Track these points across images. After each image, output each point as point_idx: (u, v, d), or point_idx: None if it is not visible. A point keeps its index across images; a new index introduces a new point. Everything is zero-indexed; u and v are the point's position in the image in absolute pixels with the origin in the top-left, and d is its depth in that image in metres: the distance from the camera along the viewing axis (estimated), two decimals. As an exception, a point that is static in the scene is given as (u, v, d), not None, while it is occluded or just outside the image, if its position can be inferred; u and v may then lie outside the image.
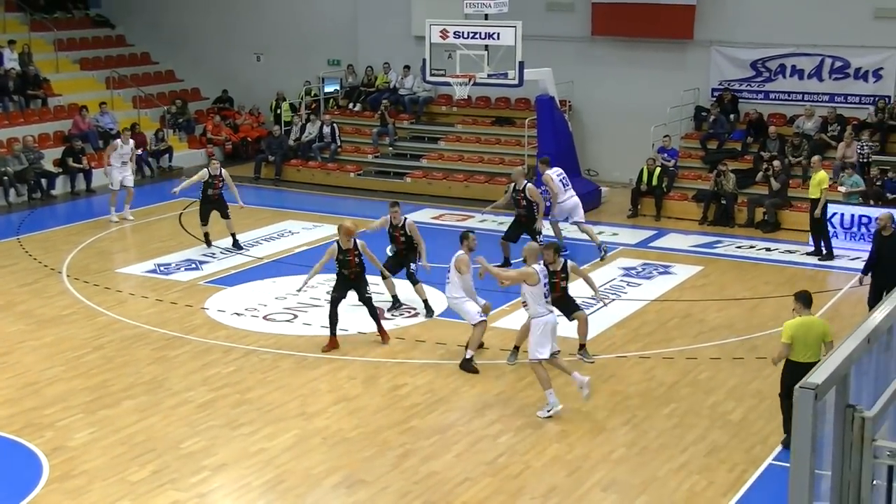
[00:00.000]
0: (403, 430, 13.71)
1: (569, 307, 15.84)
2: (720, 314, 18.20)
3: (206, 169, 22.06)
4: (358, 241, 16.49)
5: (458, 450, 13.15)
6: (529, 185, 20.56)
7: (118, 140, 25.35)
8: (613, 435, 13.55)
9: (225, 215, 21.93)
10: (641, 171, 25.31)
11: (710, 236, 23.38)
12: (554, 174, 21.45)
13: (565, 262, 15.67)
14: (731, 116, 26.99)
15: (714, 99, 27.38)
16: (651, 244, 22.87)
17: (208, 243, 22.02)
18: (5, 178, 26.21)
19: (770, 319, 17.58)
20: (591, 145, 28.59)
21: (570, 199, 21.45)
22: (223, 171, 22.04)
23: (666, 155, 25.82)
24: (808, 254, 21.74)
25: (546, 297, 14.25)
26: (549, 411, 14.08)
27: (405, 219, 18.36)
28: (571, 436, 13.47)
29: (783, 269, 20.93)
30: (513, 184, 20.66)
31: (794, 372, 12.08)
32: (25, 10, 33.65)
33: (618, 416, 14.09)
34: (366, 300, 16.60)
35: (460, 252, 15.77)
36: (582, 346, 15.95)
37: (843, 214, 22.26)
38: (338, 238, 16.56)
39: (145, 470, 12.62)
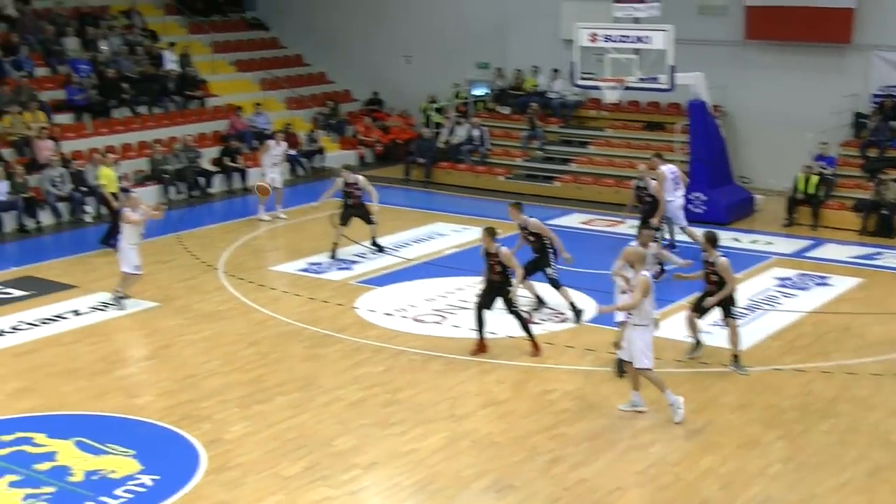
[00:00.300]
0: (552, 435, 13.67)
1: (722, 307, 15.72)
2: (881, 328, 17.67)
3: (340, 178, 22.24)
4: (502, 248, 16.29)
5: (608, 458, 13.05)
6: (654, 182, 20.67)
7: (271, 141, 25.84)
8: (769, 449, 13.28)
9: (368, 221, 22.02)
10: (797, 178, 24.78)
11: (869, 247, 22.76)
12: (668, 171, 21.48)
13: (719, 257, 15.54)
14: (893, 123, 26.21)
15: (875, 105, 26.65)
16: (807, 254, 22.34)
17: (333, 255, 21.91)
18: (166, 175, 26.95)
19: (936, 336, 17.06)
20: (745, 151, 28.11)
21: (677, 199, 21.46)
22: (358, 177, 22.05)
23: (824, 162, 25.22)
24: (975, 268, 21.04)
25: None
26: (679, 411, 14.00)
27: (528, 219, 17.99)
28: (724, 448, 13.26)
29: (948, 283, 20.28)
30: (637, 180, 20.80)
31: None
32: (184, 13, 34.56)
33: (773, 430, 13.80)
34: (514, 312, 16.42)
35: (633, 243, 15.55)
36: (735, 358, 15.72)
37: None
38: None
39: (297, 465, 12.84)
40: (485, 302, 16.45)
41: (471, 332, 16.86)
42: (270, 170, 25.12)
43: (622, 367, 15.30)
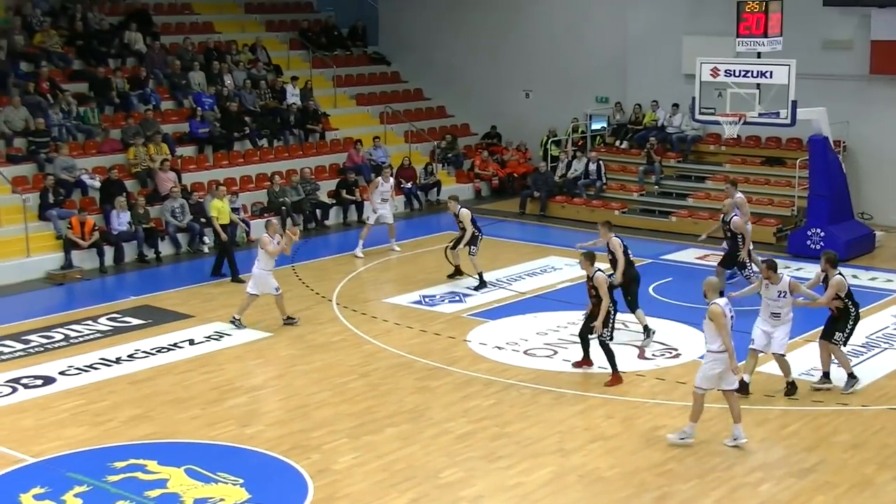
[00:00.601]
0: (661, 472, 13.51)
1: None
2: None
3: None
4: (598, 274, 16.43)
5: (716, 496, 12.85)
6: (736, 217, 20.73)
7: (379, 178, 25.92)
8: (882, 490, 12.95)
9: (470, 252, 22.11)
10: (920, 215, 24.28)
11: None
12: (744, 198, 22.08)
13: (835, 275, 15.84)
14: None
15: None
16: (930, 292, 21.82)
17: (457, 273, 22.59)
18: (283, 207, 27.37)
19: None
20: (867, 187, 27.53)
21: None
22: (462, 210, 22.22)
23: (947, 199, 24.65)
24: None
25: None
26: (681, 438, 14.23)
27: (612, 238, 18.21)
28: (837, 489, 12.96)
29: None
30: (723, 215, 21.10)
31: None
32: (308, 48, 35.12)
33: (888, 470, 13.46)
34: (599, 341, 16.55)
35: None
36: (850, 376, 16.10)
37: None
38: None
39: (404, 497, 12.86)
40: (586, 328, 16.82)
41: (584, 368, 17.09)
42: (380, 206, 25.21)
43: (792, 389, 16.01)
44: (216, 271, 23.12)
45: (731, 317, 14.06)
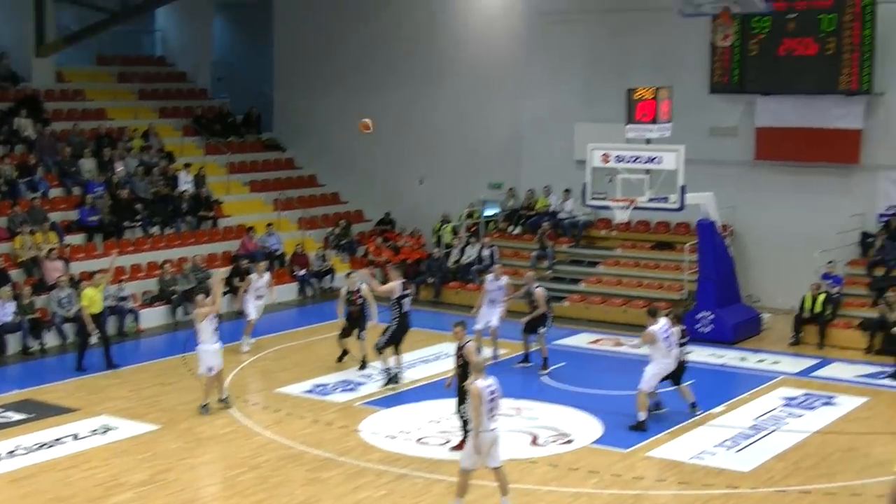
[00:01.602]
0: (553, 561, 13.50)
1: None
2: (887, 448, 17.46)
3: (345, 286, 22.59)
4: (469, 344, 17.17)
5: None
6: (539, 289, 22.61)
7: (253, 274, 25.37)
8: (770, 574, 13.06)
9: (360, 336, 22.33)
10: (804, 297, 24.76)
11: (876, 366, 22.59)
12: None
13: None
14: (900, 243, 26.23)
15: (882, 224, 26.69)
16: (814, 373, 22.22)
17: (340, 359, 22.73)
18: (174, 296, 27.02)
19: (941, 457, 16.75)
20: (753, 271, 28.08)
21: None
22: (363, 286, 22.38)
23: (830, 281, 25.17)
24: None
25: (492, 413, 14.37)
26: None
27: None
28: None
29: (956, 404, 20.06)
30: (525, 285, 22.82)
31: None
32: (202, 134, 34.98)
33: (775, 554, 13.60)
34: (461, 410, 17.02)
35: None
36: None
37: None
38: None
39: None
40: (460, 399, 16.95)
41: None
42: (254, 302, 24.78)
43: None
44: (80, 365, 22.62)
45: (493, 398, 14.35)
